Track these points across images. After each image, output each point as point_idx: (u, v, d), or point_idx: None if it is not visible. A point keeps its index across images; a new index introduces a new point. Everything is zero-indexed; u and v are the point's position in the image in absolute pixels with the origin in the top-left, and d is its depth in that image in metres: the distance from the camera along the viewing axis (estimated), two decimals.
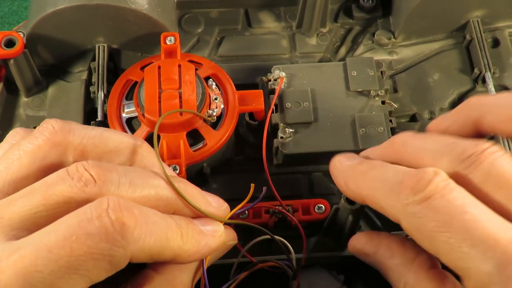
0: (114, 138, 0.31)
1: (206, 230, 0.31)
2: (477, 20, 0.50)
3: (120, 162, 0.31)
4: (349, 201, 0.37)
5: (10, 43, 0.44)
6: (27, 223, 0.27)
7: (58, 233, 0.26)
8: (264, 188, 0.37)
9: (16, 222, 0.27)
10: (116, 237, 0.26)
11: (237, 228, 0.36)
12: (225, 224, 0.34)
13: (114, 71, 0.48)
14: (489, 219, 0.28)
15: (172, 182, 0.31)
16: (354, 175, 0.34)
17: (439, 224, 0.28)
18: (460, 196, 0.28)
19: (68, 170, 0.28)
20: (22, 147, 0.30)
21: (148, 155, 0.32)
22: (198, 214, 0.32)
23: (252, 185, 0.37)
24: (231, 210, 0.35)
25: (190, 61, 0.44)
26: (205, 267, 0.32)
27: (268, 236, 0.37)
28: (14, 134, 0.32)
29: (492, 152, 0.29)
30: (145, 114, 0.40)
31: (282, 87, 0.45)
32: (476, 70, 0.48)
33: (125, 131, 0.42)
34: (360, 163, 0.34)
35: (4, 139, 0.32)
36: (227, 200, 0.43)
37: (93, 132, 0.31)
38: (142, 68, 0.44)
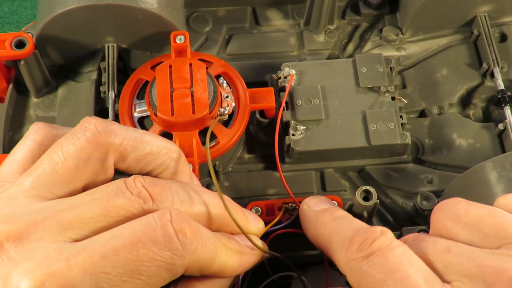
0: (153, 142, 0.32)
1: (246, 245, 0.33)
2: (484, 15, 0.50)
3: (155, 166, 0.32)
4: (364, 198, 0.37)
5: (20, 44, 0.44)
6: (87, 229, 0.28)
7: (125, 238, 0.27)
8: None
9: (77, 227, 0.28)
10: (178, 246, 0.27)
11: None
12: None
13: (123, 70, 0.48)
14: (423, 278, 0.28)
15: (225, 203, 0.32)
16: (315, 223, 0.34)
17: (375, 280, 0.28)
18: (399, 255, 0.29)
19: (127, 184, 0.29)
20: (65, 148, 0.30)
21: (180, 161, 0.33)
22: (237, 231, 0.33)
23: (284, 206, 0.40)
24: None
25: (200, 60, 0.44)
26: (240, 277, 0.34)
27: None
28: (36, 130, 0.32)
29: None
30: (158, 113, 0.40)
31: (292, 84, 0.45)
32: (484, 65, 0.48)
33: None
34: (324, 212, 0.35)
35: (25, 135, 0.32)
36: (239, 198, 0.44)
37: (134, 135, 0.31)
38: (153, 67, 0.44)
